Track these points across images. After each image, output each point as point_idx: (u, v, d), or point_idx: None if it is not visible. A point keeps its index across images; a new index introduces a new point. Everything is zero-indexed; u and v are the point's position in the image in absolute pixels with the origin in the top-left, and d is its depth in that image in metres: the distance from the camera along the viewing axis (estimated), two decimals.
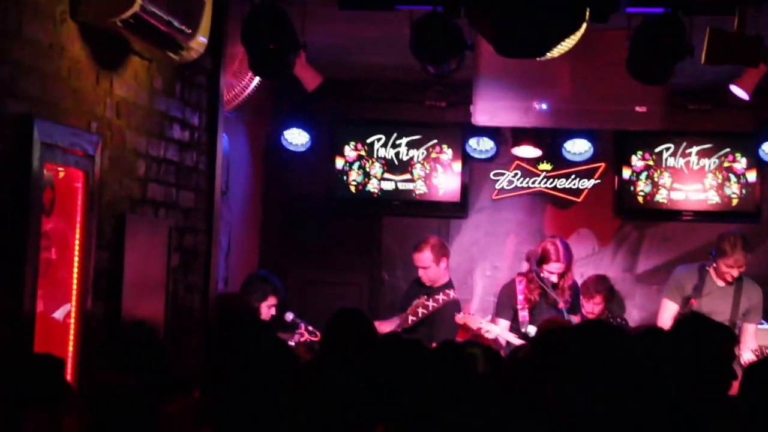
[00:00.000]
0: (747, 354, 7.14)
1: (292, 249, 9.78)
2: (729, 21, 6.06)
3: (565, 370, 3.20)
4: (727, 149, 9.39)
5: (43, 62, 4.27)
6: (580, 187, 9.55)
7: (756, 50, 6.11)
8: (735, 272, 7.36)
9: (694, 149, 9.43)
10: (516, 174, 9.59)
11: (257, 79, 7.21)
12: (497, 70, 7.58)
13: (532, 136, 9.18)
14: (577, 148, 9.32)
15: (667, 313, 7.58)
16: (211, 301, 6.32)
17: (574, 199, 9.58)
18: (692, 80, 8.32)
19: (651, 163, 9.48)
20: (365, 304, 9.50)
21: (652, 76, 6.21)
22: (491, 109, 7.80)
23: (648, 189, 9.48)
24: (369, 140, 9.65)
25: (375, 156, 9.65)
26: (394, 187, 9.64)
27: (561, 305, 7.44)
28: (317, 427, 3.70)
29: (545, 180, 9.58)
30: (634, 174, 9.50)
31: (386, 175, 9.64)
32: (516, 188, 9.62)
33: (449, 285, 7.85)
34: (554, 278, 7.52)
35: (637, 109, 7.69)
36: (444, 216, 9.72)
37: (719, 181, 9.39)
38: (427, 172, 9.61)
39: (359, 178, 9.66)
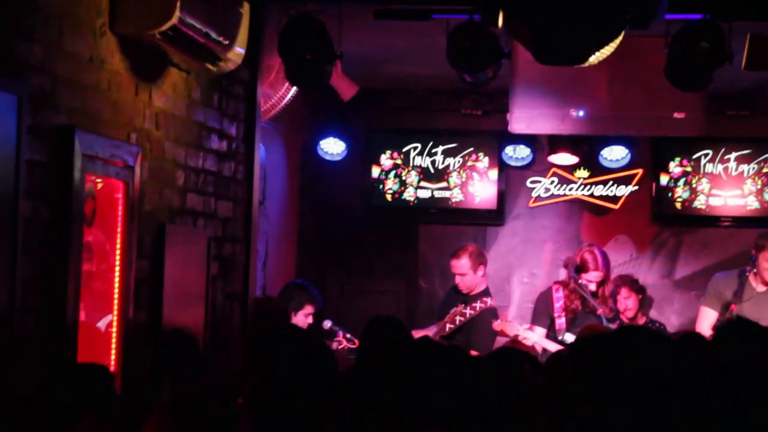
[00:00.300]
0: None
1: (329, 257, 9.81)
2: None
3: (601, 376, 3.19)
4: (766, 155, 9.32)
5: (83, 75, 4.32)
6: (618, 194, 9.52)
7: None
8: None
9: (733, 155, 9.37)
10: (553, 181, 9.57)
11: (294, 89, 7.24)
12: (534, 77, 7.57)
13: (569, 143, 9.16)
14: (614, 154, 9.28)
15: (706, 321, 7.53)
16: (250, 310, 6.35)
17: (611, 206, 9.54)
18: (730, 86, 8.27)
19: (689, 169, 9.43)
20: (402, 312, 9.51)
21: (691, 83, 6.17)
22: (528, 116, 7.79)
23: (686, 195, 9.43)
24: (405, 149, 9.66)
25: (411, 164, 9.65)
26: (430, 195, 9.64)
27: (600, 312, 7.42)
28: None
29: (582, 187, 9.55)
30: (672, 180, 9.45)
31: (422, 184, 9.64)
32: (553, 195, 9.59)
33: (486, 293, 7.85)
34: (593, 287, 7.50)
35: (675, 115, 7.66)
36: (480, 224, 9.71)
37: (758, 186, 9.33)
38: (464, 180, 9.60)
39: (395, 187, 9.67)
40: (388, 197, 9.68)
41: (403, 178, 9.67)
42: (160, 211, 5.15)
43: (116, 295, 4.65)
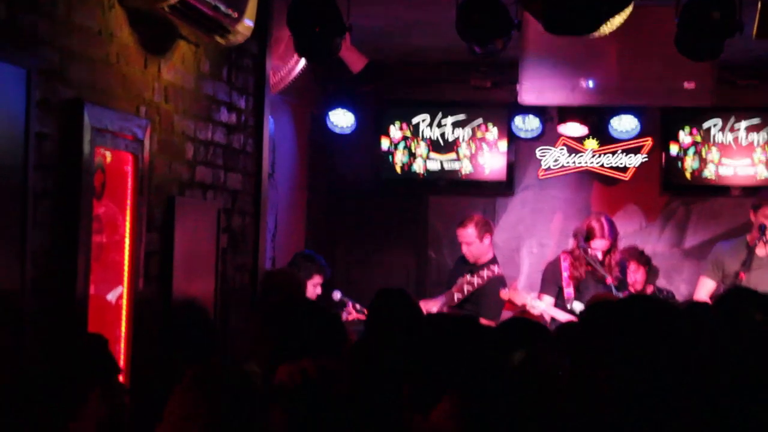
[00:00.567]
0: None
1: (339, 229, 9.82)
2: None
3: (611, 344, 3.21)
4: None
5: (92, 48, 4.32)
6: (627, 164, 9.50)
7: None
8: None
9: (743, 124, 9.34)
10: (562, 152, 9.55)
11: (303, 61, 7.23)
12: (544, 48, 7.54)
13: (578, 114, 9.13)
14: (624, 125, 9.25)
15: (704, 290, 7.59)
16: (259, 282, 6.37)
17: (621, 176, 9.53)
18: (740, 55, 8.23)
19: (699, 139, 9.41)
20: (412, 283, 9.53)
21: (701, 53, 6.13)
22: (538, 87, 7.77)
23: (696, 165, 9.41)
24: (414, 121, 9.65)
25: (420, 136, 9.65)
26: (439, 166, 9.64)
27: (609, 281, 7.44)
28: (374, 404, 3.73)
29: (592, 157, 9.54)
30: (682, 150, 9.43)
31: (432, 155, 9.64)
32: (562, 166, 9.58)
33: (494, 261, 7.89)
34: (599, 255, 7.53)
35: (686, 85, 7.64)
36: (490, 195, 9.72)
37: None
38: (473, 151, 9.59)
39: (405, 159, 9.66)
40: (398, 169, 9.68)
41: (413, 149, 9.66)
42: (170, 184, 5.16)
43: (126, 268, 4.67)
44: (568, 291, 7.56)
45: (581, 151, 9.53)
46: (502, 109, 9.46)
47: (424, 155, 9.64)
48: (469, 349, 3.68)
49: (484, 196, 9.71)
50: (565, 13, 5.25)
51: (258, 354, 4.27)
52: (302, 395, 3.56)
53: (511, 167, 9.61)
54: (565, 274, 7.61)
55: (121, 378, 3.62)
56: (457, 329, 3.91)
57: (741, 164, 9.36)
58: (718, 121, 9.36)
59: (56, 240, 4.04)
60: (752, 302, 4.16)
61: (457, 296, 7.68)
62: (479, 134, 9.59)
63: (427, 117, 9.63)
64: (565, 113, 9.18)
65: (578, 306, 7.36)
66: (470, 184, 9.65)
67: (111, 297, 4.70)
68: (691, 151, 9.42)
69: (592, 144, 9.51)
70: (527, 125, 9.43)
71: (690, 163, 9.42)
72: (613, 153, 9.51)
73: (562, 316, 7.29)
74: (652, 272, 9.09)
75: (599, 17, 5.40)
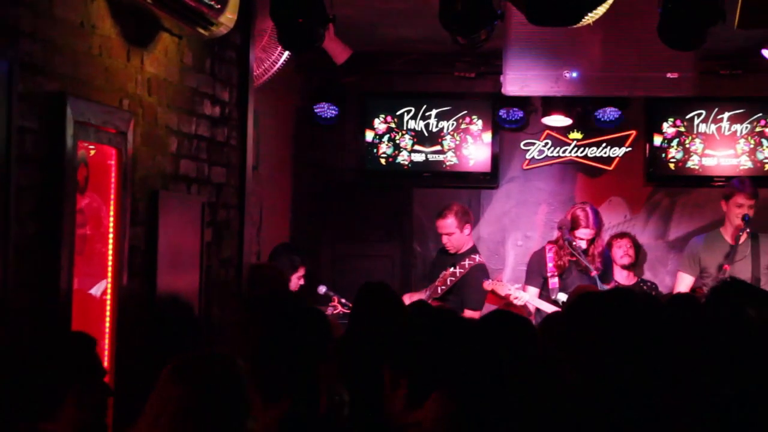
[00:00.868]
0: None
1: (324, 222, 9.81)
2: None
3: (593, 337, 3.21)
4: (759, 114, 9.32)
5: (74, 40, 4.29)
6: (611, 155, 9.52)
7: None
8: (746, 210, 7.40)
9: (726, 115, 9.36)
10: (546, 143, 9.56)
11: (286, 53, 7.21)
12: (527, 39, 7.54)
13: (563, 105, 9.14)
14: (608, 116, 9.27)
15: (683, 285, 7.64)
16: (244, 276, 6.36)
17: (605, 167, 9.54)
18: (723, 45, 8.25)
19: (682, 129, 9.42)
20: (397, 276, 9.53)
21: (684, 42, 6.14)
22: (521, 78, 7.77)
23: (679, 156, 9.43)
24: (398, 112, 9.63)
25: (405, 128, 9.63)
26: (424, 158, 9.63)
27: (593, 273, 7.45)
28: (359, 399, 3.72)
29: (576, 149, 9.54)
30: (666, 141, 9.44)
31: (416, 147, 9.63)
32: (547, 158, 9.59)
33: (474, 250, 7.92)
34: (583, 244, 7.55)
35: (669, 75, 7.65)
36: (475, 186, 9.71)
37: (751, 146, 9.33)
38: (457, 143, 9.59)
39: (389, 151, 9.65)
40: (382, 161, 9.67)
41: (397, 141, 9.65)
42: (154, 178, 5.14)
43: (110, 263, 4.65)
44: (553, 281, 7.59)
45: (566, 143, 9.54)
46: (487, 100, 9.47)
47: (409, 147, 9.63)
48: (454, 346, 3.68)
49: (469, 188, 9.71)
50: (548, 4, 5.24)
51: (242, 349, 4.25)
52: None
53: (495, 159, 9.61)
54: (549, 265, 7.64)
55: (105, 379, 3.57)
56: (440, 325, 3.91)
57: (724, 155, 9.38)
58: (702, 112, 9.38)
59: (39, 234, 4.02)
60: (747, 296, 4.16)
61: (440, 289, 7.68)
62: (463, 125, 9.59)
63: (411, 109, 9.62)
64: (550, 104, 9.19)
65: (563, 297, 7.39)
66: (455, 176, 9.65)
67: (95, 291, 4.68)
68: (674, 142, 9.43)
69: (576, 135, 9.52)
70: (511, 116, 9.43)
71: (674, 153, 9.43)
72: (598, 144, 9.52)
73: (547, 308, 7.31)
74: (639, 263, 9.16)
75: (582, 8, 5.39)
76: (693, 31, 5.97)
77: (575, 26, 5.71)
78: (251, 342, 4.16)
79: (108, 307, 4.65)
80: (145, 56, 5.00)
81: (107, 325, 4.64)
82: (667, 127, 9.43)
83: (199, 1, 4.88)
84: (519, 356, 3.57)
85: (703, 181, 9.43)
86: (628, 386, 3.06)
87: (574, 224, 7.56)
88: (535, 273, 7.76)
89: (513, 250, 9.69)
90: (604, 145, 9.51)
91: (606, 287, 7.43)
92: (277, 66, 7.26)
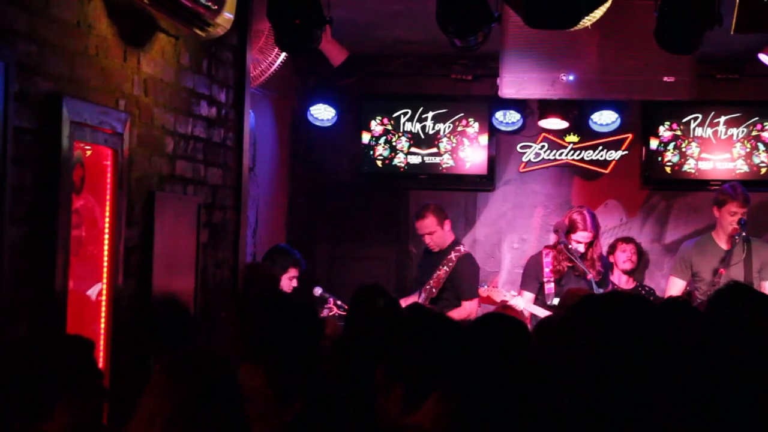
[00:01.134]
0: None
1: (320, 224, 9.80)
2: None
3: (592, 339, 3.20)
4: (756, 118, 9.33)
5: (70, 40, 4.28)
6: (608, 158, 9.52)
7: None
8: (739, 217, 7.41)
9: (722, 119, 9.37)
10: (543, 146, 9.56)
11: (283, 55, 7.21)
12: (524, 42, 7.54)
13: (559, 108, 9.14)
14: (604, 119, 9.27)
15: (674, 290, 7.63)
16: (240, 277, 6.35)
17: (601, 170, 9.55)
18: (720, 49, 8.26)
19: (679, 133, 9.43)
20: (393, 278, 9.53)
21: (681, 46, 6.15)
22: (518, 81, 7.77)
23: (676, 159, 9.43)
24: (395, 114, 9.63)
25: (401, 130, 9.63)
26: (420, 161, 9.63)
27: (590, 276, 7.44)
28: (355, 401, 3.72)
29: (572, 152, 9.55)
30: (662, 144, 9.45)
31: (413, 149, 9.63)
32: (543, 160, 9.59)
33: (457, 242, 7.99)
34: (582, 248, 7.54)
35: (665, 79, 7.65)
36: (471, 189, 9.71)
37: (748, 150, 9.34)
38: (454, 145, 9.59)
39: (386, 153, 9.65)
40: (379, 163, 9.67)
41: (394, 143, 9.65)
42: (150, 179, 5.13)
43: (105, 263, 4.64)
44: (549, 287, 7.57)
45: (562, 146, 9.55)
46: (483, 103, 9.47)
47: (405, 149, 9.63)
48: (451, 348, 3.67)
49: (465, 191, 9.71)
50: (545, 7, 5.24)
51: (237, 349, 4.25)
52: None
53: (491, 161, 9.61)
54: (547, 270, 7.63)
55: (102, 382, 3.56)
56: (436, 327, 3.91)
57: (720, 158, 9.39)
58: (698, 116, 9.39)
59: (34, 235, 4.01)
60: (749, 300, 4.17)
61: (435, 289, 7.70)
62: (460, 128, 9.59)
63: (408, 111, 9.62)
64: (546, 107, 9.19)
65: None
66: (451, 179, 9.65)
67: (91, 292, 4.67)
68: (671, 145, 9.44)
69: (572, 138, 9.53)
70: (508, 119, 9.44)
71: (670, 157, 9.44)
72: (594, 148, 9.52)
73: (542, 313, 7.30)
74: (639, 269, 9.16)
75: (578, 11, 5.40)
76: (690, 35, 5.98)
77: (572, 29, 5.72)
78: (246, 342, 4.16)
79: (103, 308, 4.63)
80: (142, 57, 4.99)
81: (102, 326, 4.62)
82: (664, 131, 9.44)
83: (196, 2, 4.87)
84: (515, 357, 3.57)
85: (700, 184, 9.44)
86: (627, 388, 3.06)
87: (572, 228, 7.56)
88: (531, 278, 7.75)
89: (509, 252, 9.69)
90: (600, 148, 9.51)
91: (602, 291, 7.43)
92: (274, 67, 7.27)
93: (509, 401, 3.24)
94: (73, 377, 3.34)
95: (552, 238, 7.89)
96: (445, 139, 9.60)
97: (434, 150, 9.61)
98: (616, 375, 3.10)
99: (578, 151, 9.54)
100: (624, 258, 8.74)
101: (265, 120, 8.75)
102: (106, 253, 4.65)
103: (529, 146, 9.58)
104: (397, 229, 9.83)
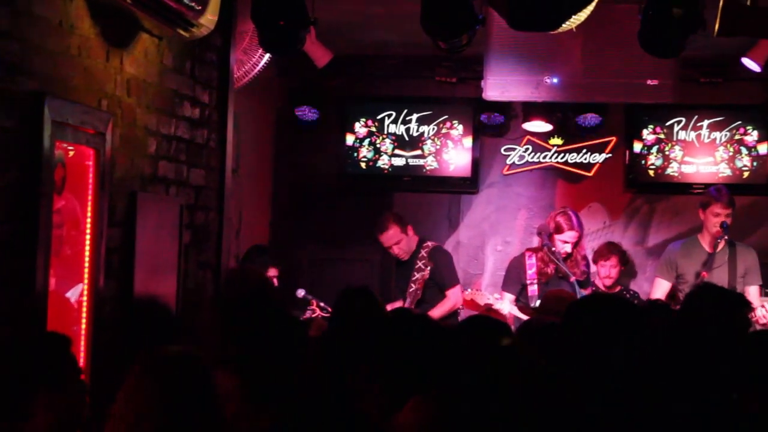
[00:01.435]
0: (760, 311, 7.09)
1: (303, 226, 9.78)
2: None
3: (572, 342, 3.21)
4: (739, 122, 9.35)
5: (53, 40, 4.26)
6: (591, 161, 9.53)
7: None
8: (723, 218, 7.43)
9: (705, 122, 9.39)
10: (527, 149, 9.56)
11: (267, 56, 7.19)
12: (508, 44, 7.55)
13: (543, 111, 9.14)
14: (588, 122, 9.28)
15: (659, 291, 7.65)
16: (223, 278, 6.33)
17: (585, 173, 9.55)
18: (703, 53, 8.28)
19: (662, 136, 9.45)
20: (377, 280, 9.50)
21: (664, 49, 6.16)
22: (502, 83, 7.77)
23: (659, 162, 9.45)
24: (379, 116, 9.62)
25: (385, 132, 9.62)
26: (404, 163, 9.62)
27: (573, 279, 7.44)
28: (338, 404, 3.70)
29: (556, 155, 9.55)
30: (645, 148, 9.46)
31: (397, 151, 9.62)
32: (527, 163, 9.60)
33: (423, 240, 7.99)
34: (568, 248, 7.55)
35: (649, 82, 7.67)
36: (455, 191, 9.71)
37: (730, 153, 9.36)
38: (438, 147, 9.59)
39: (370, 155, 9.64)
40: (363, 165, 9.66)
41: (378, 145, 9.64)
42: (132, 179, 5.11)
43: (87, 265, 4.62)
44: (532, 289, 7.56)
45: (546, 148, 9.55)
46: (468, 105, 9.47)
47: (389, 151, 9.62)
48: (434, 350, 3.67)
49: (449, 193, 9.70)
50: (529, 9, 5.25)
51: (219, 351, 4.23)
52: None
53: (475, 164, 9.61)
54: (530, 272, 7.61)
55: (81, 377, 3.54)
56: (419, 330, 3.90)
57: (703, 162, 9.41)
58: (682, 119, 9.41)
59: (15, 235, 3.99)
60: (720, 300, 4.18)
61: (419, 291, 7.70)
62: (444, 130, 9.59)
63: (392, 113, 9.61)
64: (530, 110, 9.19)
65: None
66: (435, 181, 9.64)
67: (71, 294, 4.64)
68: (654, 149, 9.45)
69: (556, 141, 9.53)
70: (492, 122, 9.43)
71: (653, 160, 9.46)
72: (578, 150, 9.53)
73: (523, 316, 7.31)
74: (623, 273, 9.15)
75: (562, 13, 5.40)
76: (673, 39, 5.99)
77: (556, 32, 5.72)
78: (227, 345, 4.14)
79: (84, 309, 4.61)
80: (125, 57, 4.97)
81: (83, 327, 4.60)
82: (647, 134, 9.46)
83: (180, 2, 4.85)
84: (500, 360, 3.56)
85: (682, 188, 9.45)
86: (609, 391, 3.06)
87: (558, 229, 7.55)
88: (513, 279, 7.74)
89: (492, 255, 9.68)
90: (584, 151, 9.52)
91: (585, 293, 7.43)
92: (258, 68, 7.24)
93: (492, 405, 3.24)
94: (50, 374, 3.32)
95: (535, 241, 7.88)
96: (429, 142, 9.59)
97: (418, 152, 9.61)
98: (601, 377, 3.10)
99: (562, 154, 9.55)
100: (604, 273, 8.70)
101: (248, 121, 8.73)
102: (87, 253, 4.63)
103: (513, 149, 9.59)
104: None
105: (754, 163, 9.32)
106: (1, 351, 3.48)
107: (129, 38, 5.02)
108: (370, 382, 3.53)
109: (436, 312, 7.52)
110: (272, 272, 7.25)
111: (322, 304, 7.53)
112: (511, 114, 9.46)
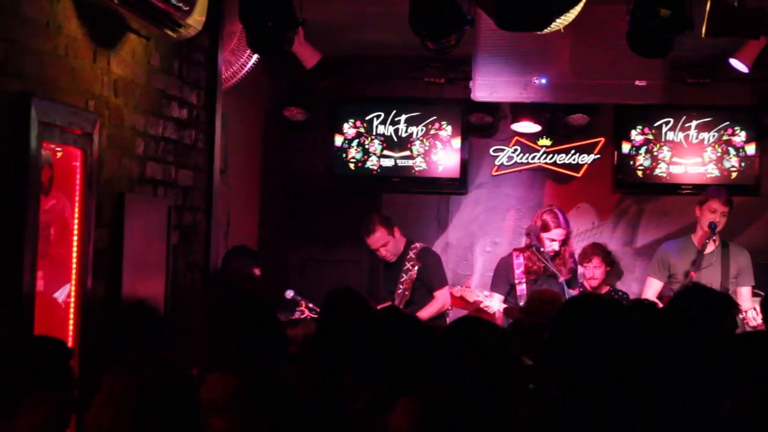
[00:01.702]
0: (751, 313, 7.10)
1: (292, 227, 9.77)
2: None
3: (559, 342, 3.20)
4: (727, 122, 9.37)
5: (39, 40, 4.25)
6: (580, 162, 9.54)
7: (758, 22, 6.07)
8: (719, 216, 7.44)
9: (694, 123, 9.41)
10: (516, 150, 9.57)
11: (255, 56, 7.18)
12: (496, 45, 7.55)
13: (532, 112, 9.15)
14: (577, 123, 9.28)
15: (651, 290, 7.66)
16: (210, 279, 6.32)
17: (573, 174, 9.56)
18: (691, 53, 8.30)
19: (650, 137, 9.46)
20: (365, 281, 9.50)
21: (652, 50, 6.17)
22: (490, 84, 7.78)
23: (647, 163, 9.47)
24: (368, 117, 9.62)
25: (374, 133, 9.62)
26: (393, 163, 9.62)
27: (561, 279, 7.44)
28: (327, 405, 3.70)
29: (545, 155, 9.56)
30: (634, 148, 9.48)
31: (385, 152, 9.62)
32: (516, 164, 9.60)
33: (410, 242, 7.98)
34: (556, 246, 7.55)
35: (637, 83, 7.68)
36: (443, 192, 9.71)
37: (719, 154, 9.38)
38: (427, 148, 9.59)
39: (358, 156, 9.64)
40: (351, 166, 9.65)
41: (366, 146, 9.63)
42: (120, 180, 5.10)
43: (74, 266, 4.61)
44: (521, 288, 7.56)
45: (535, 149, 9.56)
46: (456, 106, 9.47)
47: (378, 152, 9.62)
48: (423, 351, 3.67)
49: (438, 194, 9.71)
50: (517, 9, 5.25)
51: (205, 352, 4.23)
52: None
53: (464, 165, 9.62)
54: (518, 271, 7.61)
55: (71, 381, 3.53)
56: (408, 331, 3.90)
57: (691, 163, 9.43)
58: (670, 120, 9.42)
59: (2, 236, 3.97)
60: (707, 301, 4.19)
61: (407, 292, 7.69)
62: (433, 131, 9.59)
63: (381, 114, 9.61)
64: (519, 111, 9.20)
65: None
66: (424, 182, 9.64)
67: (59, 294, 4.63)
68: (643, 149, 9.47)
69: (545, 142, 9.54)
70: (481, 122, 9.43)
71: (642, 161, 9.47)
72: (567, 151, 9.54)
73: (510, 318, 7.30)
74: (612, 273, 9.15)
75: (550, 14, 5.41)
76: (661, 39, 6.00)
77: (544, 32, 5.72)
78: (221, 346, 4.13)
79: (72, 310, 4.60)
80: (112, 57, 4.96)
81: (71, 328, 4.59)
82: (636, 135, 9.47)
83: (167, 3, 4.84)
84: (489, 360, 3.56)
85: (671, 188, 9.47)
86: (598, 386, 3.06)
87: (545, 227, 7.55)
88: (501, 279, 7.74)
89: (481, 256, 9.69)
90: (572, 151, 9.53)
91: (573, 292, 7.43)
92: (246, 69, 7.24)
93: (482, 406, 3.24)
94: (39, 375, 3.31)
95: (524, 241, 7.89)
96: (418, 142, 9.60)
97: (407, 153, 9.61)
98: (588, 377, 3.10)
99: (551, 155, 9.56)
100: (588, 275, 8.71)
101: (237, 122, 8.71)
102: (75, 254, 4.61)
103: (502, 149, 9.59)
104: None
105: (742, 164, 9.34)
106: None
107: (116, 39, 5.01)
108: (360, 383, 3.53)
109: (425, 313, 7.52)
110: (255, 273, 7.23)
111: (311, 305, 7.51)
112: (500, 115, 9.46)
